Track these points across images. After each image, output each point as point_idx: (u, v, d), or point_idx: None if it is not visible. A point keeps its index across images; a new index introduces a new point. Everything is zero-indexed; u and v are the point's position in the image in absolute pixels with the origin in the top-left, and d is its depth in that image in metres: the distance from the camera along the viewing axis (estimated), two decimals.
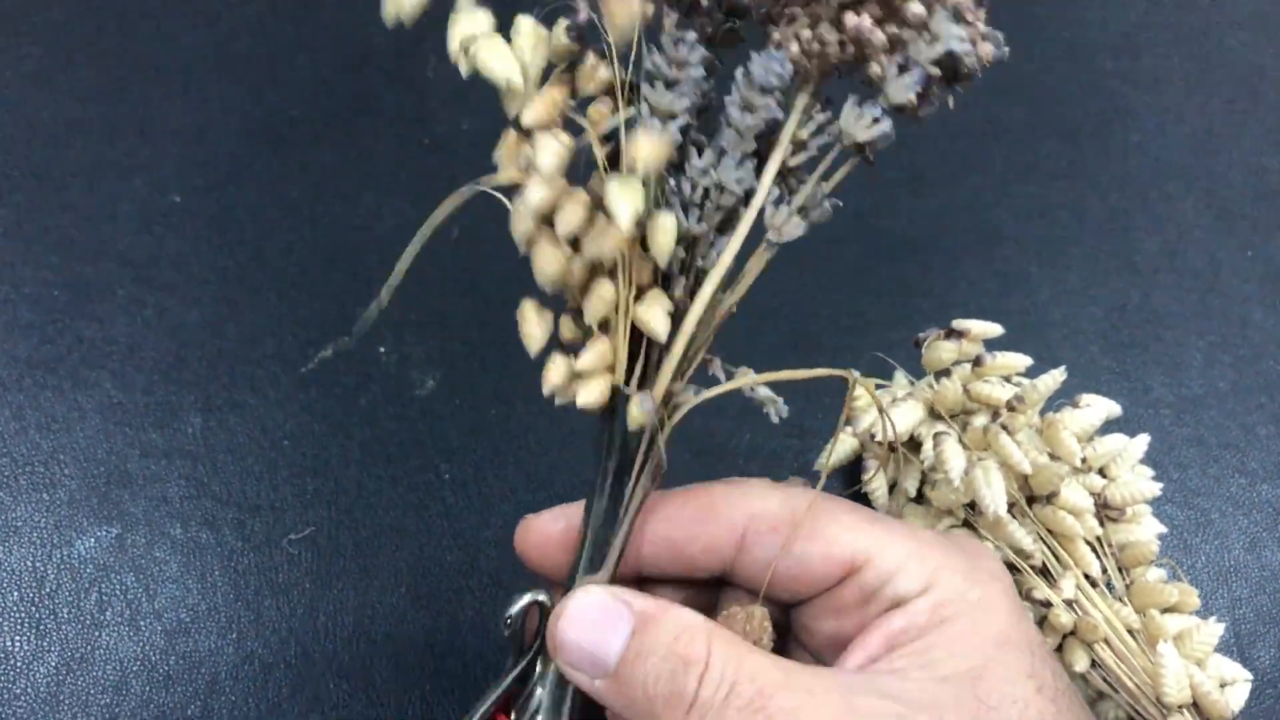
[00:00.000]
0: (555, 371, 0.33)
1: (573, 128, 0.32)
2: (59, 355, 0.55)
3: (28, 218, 0.59)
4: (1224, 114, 0.73)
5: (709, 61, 0.32)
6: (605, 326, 0.33)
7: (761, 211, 0.33)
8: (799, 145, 0.32)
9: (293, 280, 0.58)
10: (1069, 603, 0.46)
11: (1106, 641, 0.46)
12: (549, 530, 0.37)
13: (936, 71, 0.30)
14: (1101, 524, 0.48)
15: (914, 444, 0.49)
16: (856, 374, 0.36)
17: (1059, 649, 0.47)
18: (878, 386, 0.52)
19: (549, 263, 0.31)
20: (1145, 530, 0.48)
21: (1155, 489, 0.48)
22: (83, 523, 0.50)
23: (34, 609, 0.48)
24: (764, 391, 0.36)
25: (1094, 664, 0.46)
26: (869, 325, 0.61)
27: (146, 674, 0.47)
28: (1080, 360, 0.60)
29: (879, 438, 0.46)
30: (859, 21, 0.29)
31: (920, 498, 0.50)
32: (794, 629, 0.38)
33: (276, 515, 0.51)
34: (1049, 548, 0.47)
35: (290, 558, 0.50)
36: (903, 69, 0.30)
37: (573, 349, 0.33)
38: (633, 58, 0.32)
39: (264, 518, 0.51)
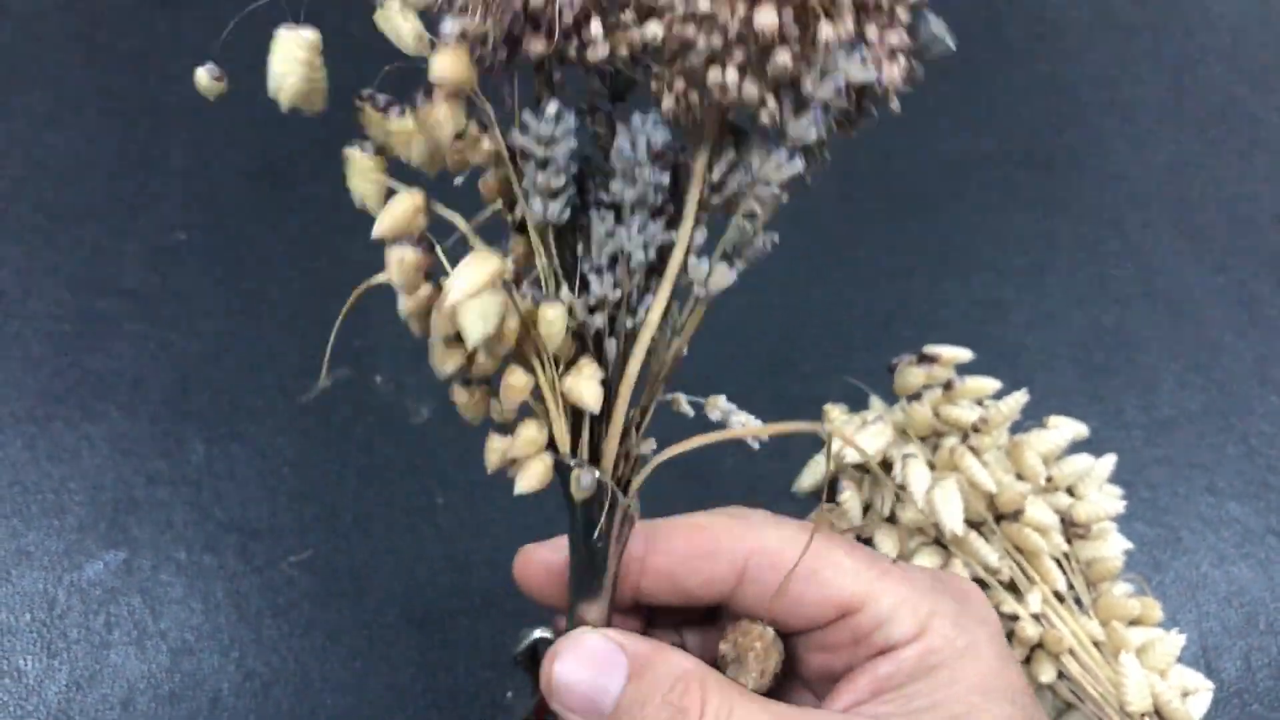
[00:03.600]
0: (493, 454, 0.33)
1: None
2: (69, 387, 0.57)
3: (39, 255, 0.62)
4: (1197, 143, 0.75)
5: (604, 120, 0.31)
6: (533, 405, 0.32)
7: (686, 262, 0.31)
8: (715, 187, 0.31)
9: (293, 312, 0.61)
10: (1036, 616, 0.48)
11: (1072, 653, 0.47)
12: (548, 560, 0.37)
13: (841, 103, 0.27)
14: (1068, 541, 0.50)
15: (886, 465, 0.51)
16: (832, 417, 0.37)
17: (1026, 661, 0.48)
18: (853, 411, 0.54)
19: (443, 362, 0.31)
20: (1110, 547, 0.50)
21: (1119, 507, 0.49)
22: (91, 547, 0.52)
23: (45, 630, 0.50)
24: (737, 420, 0.35)
25: (1060, 675, 0.48)
26: (850, 350, 0.63)
27: (152, 692, 0.49)
28: (1055, 384, 0.62)
29: (849, 460, 0.48)
30: (724, 78, 0.27)
31: (892, 517, 0.52)
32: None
33: (276, 539, 0.53)
34: (1017, 564, 0.49)
35: (290, 580, 0.52)
36: (798, 109, 0.28)
37: (507, 429, 0.33)
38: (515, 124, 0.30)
39: (264, 541, 0.53)
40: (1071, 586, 0.49)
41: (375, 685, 0.50)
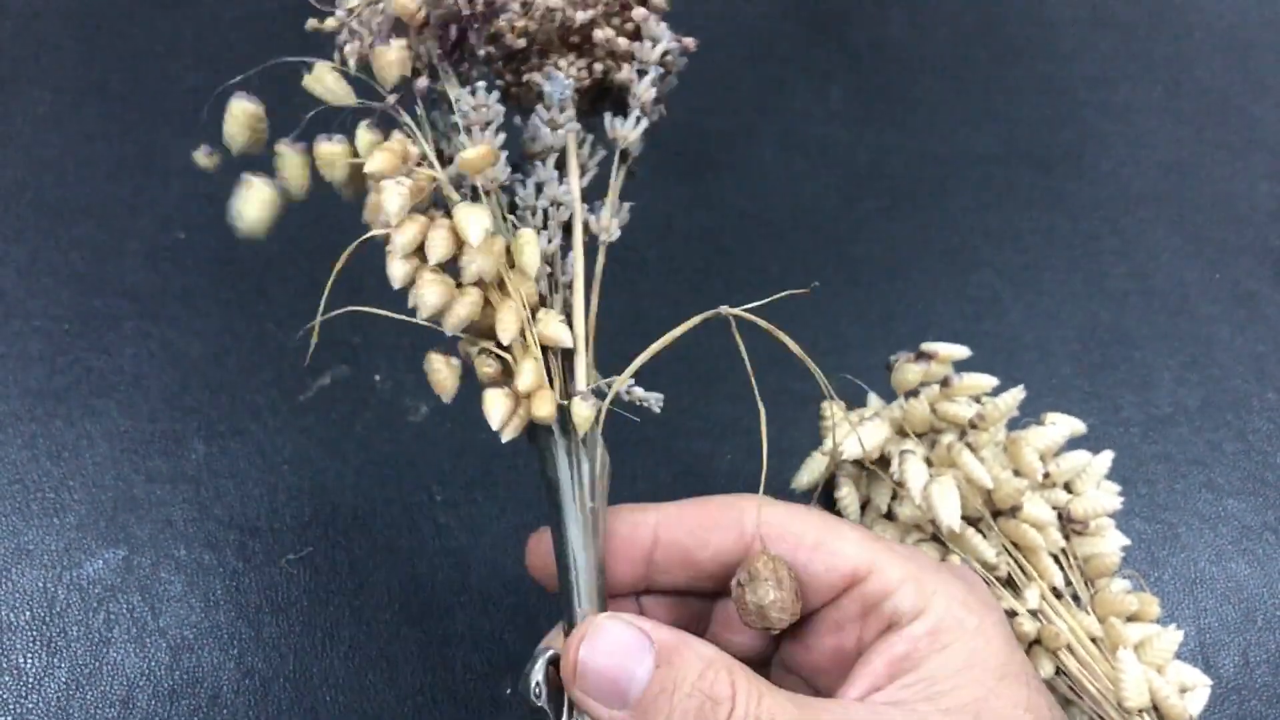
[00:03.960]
0: (497, 404, 0.35)
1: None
2: (68, 385, 0.57)
3: (39, 255, 0.62)
4: (1193, 141, 0.75)
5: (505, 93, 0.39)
6: (519, 350, 0.36)
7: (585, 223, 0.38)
8: (583, 168, 0.39)
9: (291, 310, 0.61)
10: (1033, 612, 0.48)
11: (1070, 649, 0.48)
12: None
13: (661, 71, 0.39)
14: (1066, 537, 0.50)
15: (884, 462, 0.51)
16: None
17: None
18: (851, 408, 0.54)
19: (433, 292, 0.34)
20: (1108, 543, 0.50)
21: (1116, 503, 0.50)
22: (91, 545, 0.52)
23: (44, 628, 0.50)
24: (639, 391, 0.38)
25: (1058, 671, 0.48)
26: (846, 347, 0.63)
27: (152, 689, 0.49)
28: (1052, 381, 0.62)
29: (846, 456, 0.48)
30: (605, 34, 0.38)
31: (890, 514, 0.52)
32: (789, 650, 0.40)
33: (276, 536, 0.53)
34: (1014, 560, 0.49)
35: (289, 577, 0.52)
36: (641, 73, 0.38)
37: (496, 384, 0.36)
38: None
39: (264, 539, 0.53)
40: (1069, 582, 0.49)
41: (374, 682, 0.50)
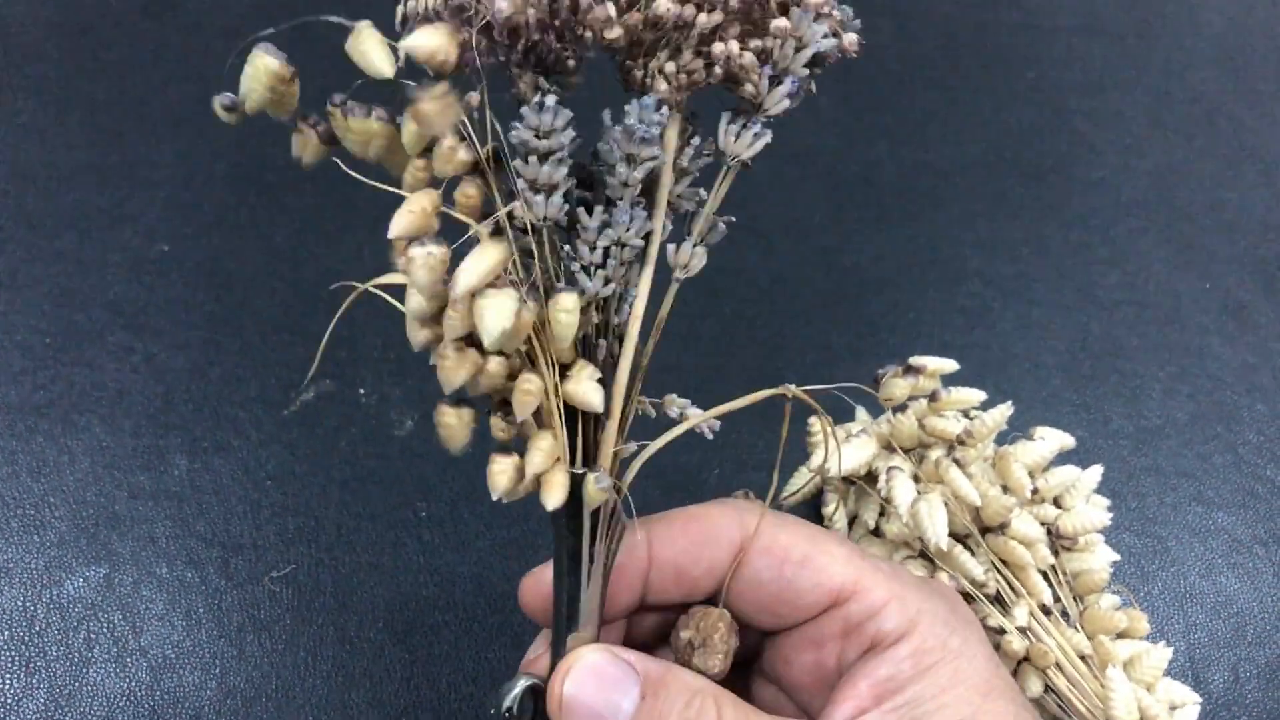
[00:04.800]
0: (501, 474, 0.32)
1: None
2: (50, 400, 0.57)
3: (21, 267, 0.61)
4: (1183, 149, 0.75)
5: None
6: (539, 417, 0.32)
7: (661, 250, 0.33)
8: (683, 173, 0.32)
9: (276, 324, 0.60)
10: (1022, 630, 0.47)
11: (1059, 667, 0.47)
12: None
13: (805, 73, 0.31)
14: (1055, 553, 0.50)
15: (871, 477, 0.51)
16: (793, 388, 0.37)
17: (1013, 675, 0.48)
18: (839, 422, 0.53)
19: (453, 372, 0.30)
20: (1097, 558, 0.50)
21: (1105, 519, 0.49)
22: (72, 563, 0.52)
23: (24, 648, 0.49)
24: (695, 411, 0.35)
25: (1047, 689, 0.47)
26: (835, 359, 0.62)
27: (133, 709, 0.48)
28: (1042, 393, 0.62)
29: (832, 472, 0.48)
30: (727, 48, 0.30)
31: (878, 530, 0.51)
32: (769, 661, 0.40)
33: (259, 554, 0.53)
34: (1003, 576, 0.49)
35: (272, 595, 0.52)
36: (775, 80, 0.31)
37: (508, 448, 0.32)
38: (488, 125, 0.30)
39: (247, 556, 0.53)
40: (1058, 599, 0.49)
41: (358, 700, 0.49)
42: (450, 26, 0.28)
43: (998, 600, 0.49)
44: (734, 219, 0.34)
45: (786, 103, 0.31)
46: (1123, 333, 0.65)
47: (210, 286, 0.62)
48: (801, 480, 0.52)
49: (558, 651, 0.35)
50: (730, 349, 0.62)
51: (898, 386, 0.50)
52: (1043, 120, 0.76)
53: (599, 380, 0.32)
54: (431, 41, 0.28)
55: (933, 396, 0.51)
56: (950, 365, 0.52)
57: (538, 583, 0.38)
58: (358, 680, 0.50)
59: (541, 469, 0.32)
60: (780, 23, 0.30)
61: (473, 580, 0.53)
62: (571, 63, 0.30)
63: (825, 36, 0.30)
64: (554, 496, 0.32)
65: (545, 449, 0.32)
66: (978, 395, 0.51)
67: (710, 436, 0.35)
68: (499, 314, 0.28)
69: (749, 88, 0.31)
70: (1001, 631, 0.47)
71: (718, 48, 0.30)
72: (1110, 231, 0.70)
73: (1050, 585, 0.49)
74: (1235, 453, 0.60)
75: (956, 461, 0.48)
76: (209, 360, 0.59)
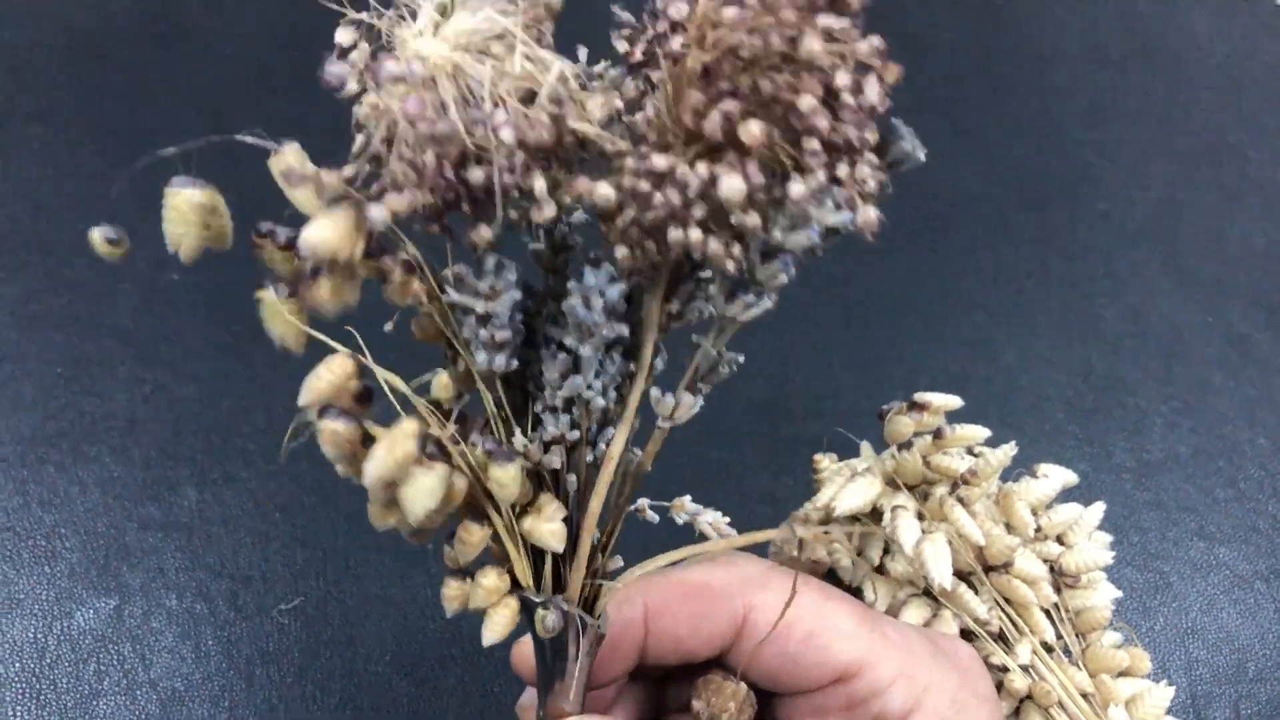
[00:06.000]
0: (453, 600, 0.31)
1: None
2: (61, 431, 0.57)
3: (33, 295, 0.62)
4: (1186, 180, 0.75)
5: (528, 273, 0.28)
6: (491, 546, 0.30)
7: (647, 394, 0.30)
8: (674, 316, 0.29)
9: (285, 354, 0.61)
10: (1025, 668, 0.48)
11: (1061, 706, 0.48)
12: None
13: (807, 245, 0.25)
14: (1057, 590, 0.50)
15: (876, 514, 0.51)
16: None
17: (1016, 713, 0.48)
18: (842, 457, 0.54)
19: (381, 518, 0.28)
20: (1100, 596, 0.50)
21: (1108, 557, 0.49)
22: (82, 595, 0.52)
23: (34, 680, 0.50)
24: (704, 519, 0.33)
25: None
26: (840, 391, 0.63)
27: None
28: (1045, 426, 0.62)
29: (839, 513, 0.48)
30: (686, 238, 0.24)
31: (882, 568, 0.52)
32: (769, 717, 0.40)
33: (268, 586, 0.53)
34: (1006, 615, 0.49)
35: (280, 627, 0.52)
36: (766, 255, 0.26)
37: (462, 571, 0.31)
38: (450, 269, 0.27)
39: (255, 588, 0.53)
40: (1060, 636, 0.49)
41: None
42: (353, 216, 0.25)
43: (1001, 638, 0.49)
44: (741, 358, 0.30)
45: (784, 278, 0.27)
46: (1125, 366, 0.65)
47: (219, 316, 0.62)
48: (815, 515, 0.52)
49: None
50: (734, 380, 0.62)
51: (903, 424, 0.51)
52: (1047, 150, 0.76)
53: (564, 518, 0.30)
54: (328, 237, 0.25)
55: (937, 433, 0.51)
56: (955, 402, 0.52)
57: (527, 650, 0.37)
58: (365, 714, 0.50)
59: (483, 605, 0.30)
60: (751, 221, 0.24)
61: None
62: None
63: (839, 210, 0.25)
64: (490, 634, 0.31)
65: (489, 587, 0.30)
66: (982, 432, 0.51)
67: (719, 540, 0.33)
68: (421, 497, 0.26)
69: (730, 265, 0.25)
70: (1004, 670, 0.48)
71: (673, 234, 0.24)
72: (1113, 263, 0.70)
73: (1052, 623, 0.49)
74: (1237, 487, 0.61)
75: (960, 500, 0.49)
76: (218, 391, 0.59)
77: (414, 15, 0.24)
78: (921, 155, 0.26)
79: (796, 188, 0.23)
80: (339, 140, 0.28)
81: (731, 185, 0.23)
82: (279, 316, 0.28)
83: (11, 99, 0.71)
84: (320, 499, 0.56)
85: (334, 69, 0.25)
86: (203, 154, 0.27)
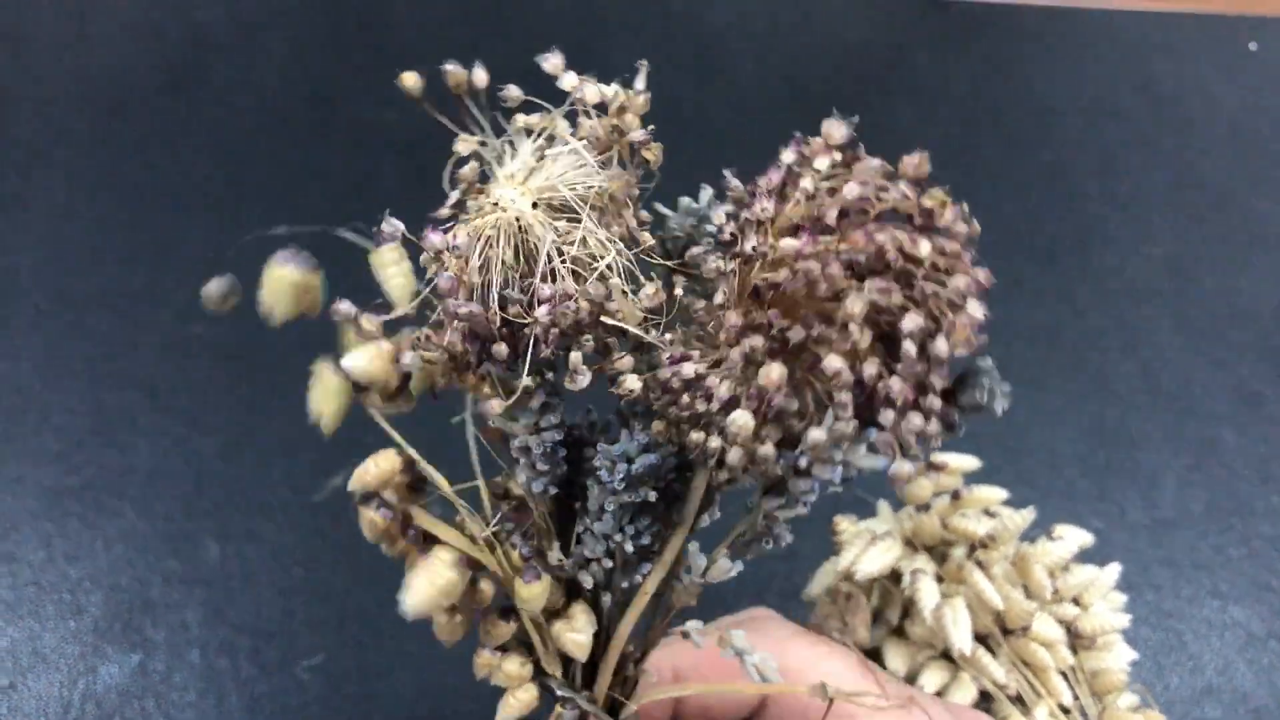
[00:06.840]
0: (482, 667, 0.32)
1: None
2: (84, 483, 0.57)
3: (55, 346, 0.62)
4: (1197, 235, 0.76)
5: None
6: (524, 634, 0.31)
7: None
8: (723, 483, 0.28)
9: (305, 403, 0.61)
10: None
11: None
12: None
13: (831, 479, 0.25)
14: (1074, 651, 0.50)
15: (895, 576, 0.52)
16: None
17: None
18: (861, 518, 0.54)
19: (442, 631, 0.30)
20: (1116, 658, 0.50)
21: (1124, 620, 0.50)
22: (107, 650, 0.52)
23: None
24: (753, 660, 0.34)
25: None
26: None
27: None
28: (1058, 484, 0.63)
29: (859, 578, 0.49)
30: (707, 445, 0.24)
31: (901, 629, 0.52)
32: None
33: (289, 640, 0.54)
34: (1024, 676, 0.49)
35: (301, 684, 0.52)
36: (798, 471, 0.26)
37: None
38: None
39: (277, 644, 0.53)
40: (1077, 698, 0.50)
41: None
42: (389, 351, 0.27)
43: (1019, 701, 0.49)
44: (790, 538, 0.30)
45: (814, 494, 0.26)
46: (1137, 422, 0.66)
47: (240, 368, 0.63)
48: (825, 577, 0.53)
49: None
50: None
51: (920, 486, 0.51)
52: (1056, 201, 0.77)
53: (595, 633, 0.30)
54: (367, 368, 0.28)
55: (955, 495, 0.51)
56: (972, 463, 0.52)
57: None
58: None
59: (502, 684, 0.31)
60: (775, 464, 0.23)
61: None
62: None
63: (872, 450, 0.24)
64: (505, 714, 0.31)
65: (510, 672, 0.31)
66: (1000, 494, 0.52)
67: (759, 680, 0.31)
68: (428, 587, 0.28)
69: (748, 478, 0.25)
70: None
71: (694, 437, 0.24)
72: (1124, 317, 0.71)
73: (1069, 685, 0.50)
74: (1249, 545, 0.61)
75: (979, 563, 0.49)
76: (239, 442, 0.60)
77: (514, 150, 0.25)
78: (999, 408, 0.25)
79: (815, 434, 0.23)
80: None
81: (737, 419, 0.23)
82: (329, 393, 0.30)
83: (32, 153, 0.72)
84: (340, 553, 0.56)
85: (434, 238, 0.27)
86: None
